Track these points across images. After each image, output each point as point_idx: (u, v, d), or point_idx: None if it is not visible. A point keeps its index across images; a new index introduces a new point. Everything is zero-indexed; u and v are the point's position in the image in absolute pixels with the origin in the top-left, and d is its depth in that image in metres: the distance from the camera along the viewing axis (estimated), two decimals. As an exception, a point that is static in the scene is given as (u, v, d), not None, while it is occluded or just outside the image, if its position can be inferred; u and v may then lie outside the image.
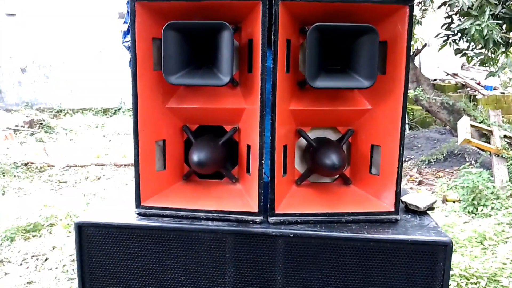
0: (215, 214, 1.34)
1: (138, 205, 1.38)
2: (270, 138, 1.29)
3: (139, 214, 1.38)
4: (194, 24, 1.29)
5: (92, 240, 1.36)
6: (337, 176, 1.47)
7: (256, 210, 1.32)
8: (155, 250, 1.34)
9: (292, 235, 1.27)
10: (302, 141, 1.44)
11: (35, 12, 10.52)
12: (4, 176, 5.31)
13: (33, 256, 3.11)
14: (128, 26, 1.33)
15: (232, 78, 1.34)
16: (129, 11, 1.31)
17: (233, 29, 1.35)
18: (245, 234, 1.29)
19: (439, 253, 1.24)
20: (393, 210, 1.35)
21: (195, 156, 1.33)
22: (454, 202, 4.06)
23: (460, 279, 2.47)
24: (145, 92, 1.34)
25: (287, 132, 1.37)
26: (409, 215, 1.42)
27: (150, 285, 1.35)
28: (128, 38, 1.33)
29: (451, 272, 2.52)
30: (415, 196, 1.49)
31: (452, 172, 5.06)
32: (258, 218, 1.31)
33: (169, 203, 1.38)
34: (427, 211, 1.46)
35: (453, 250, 2.78)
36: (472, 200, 3.74)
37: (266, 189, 1.32)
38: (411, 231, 1.29)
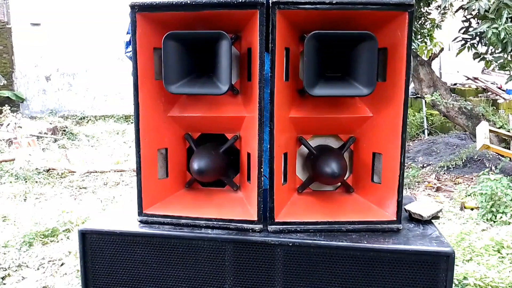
0: (215, 222, 1.35)
1: (140, 213, 1.40)
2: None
3: (141, 221, 1.40)
4: (193, 34, 1.30)
5: (95, 247, 1.38)
6: (339, 184, 1.46)
7: (256, 219, 1.32)
8: (156, 257, 1.35)
9: (291, 244, 1.27)
10: (304, 149, 1.44)
11: (59, 22, 10.79)
12: (26, 182, 5.44)
13: (49, 261, 3.18)
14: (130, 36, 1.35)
15: (232, 87, 1.35)
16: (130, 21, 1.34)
17: (233, 38, 1.36)
18: (244, 242, 1.29)
19: (441, 264, 1.21)
20: (395, 219, 1.33)
21: (196, 164, 1.34)
22: (472, 209, 3.97)
23: (475, 289, 2.41)
24: (147, 101, 1.36)
25: (287, 140, 1.37)
26: (413, 224, 1.40)
27: (152, 292, 1.36)
28: (130, 48, 1.35)
29: (466, 282, 2.45)
30: (419, 205, 1.46)
31: (472, 178, 4.94)
32: (257, 227, 1.31)
33: (170, 211, 1.40)
34: (432, 220, 1.43)
35: (469, 258, 2.71)
36: (491, 207, 3.64)
37: (267, 197, 1.32)
38: (412, 240, 1.27)
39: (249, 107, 1.35)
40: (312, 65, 1.25)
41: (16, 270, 3.06)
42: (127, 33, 1.57)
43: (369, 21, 1.28)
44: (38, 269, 3.09)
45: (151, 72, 1.37)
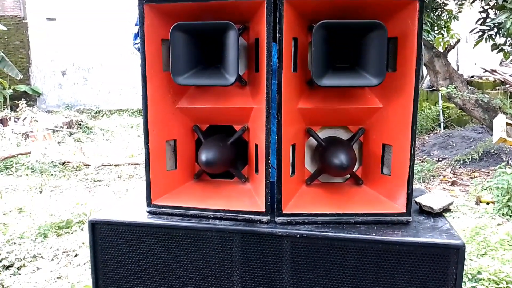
0: (222, 213, 1.35)
1: (149, 204, 1.41)
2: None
3: (149, 212, 1.41)
4: (200, 25, 1.29)
5: (105, 237, 1.39)
6: (349, 176, 1.44)
7: (263, 210, 1.31)
8: (164, 248, 1.36)
9: (298, 236, 1.26)
10: (313, 141, 1.43)
11: (74, 17, 10.90)
12: (42, 174, 5.53)
13: (64, 252, 3.23)
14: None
15: (240, 78, 1.34)
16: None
17: (241, 28, 1.35)
18: (251, 233, 1.29)
19: (451, 256, 1.19)
20: (404, 211, 1.31)
21: (204, 156, 1.34)
22: (488, 203, 3.91)
23: (489, 283, 2.37)
24: (155, 93, 1.37)
25: (295, 132, 1.36)
26: (423, 217, 1.38)
27: (160, 282, 1.37)
28: (139, 40, 1.35)
29: (479, 276, 2.42)
30: (430, 197, 1.44)
31: (488, 172, 4.86)
32: (264, 218, 1.31)
33: (179, 202, 1.40)
34: (443, 213, 1.41)
35: (483, 253, 2.67)
36: (507, 201, 3.58)
37: (275, 189, 1.31)
38: (422, 233, 1.25)
39: (257, 98, 1.34)
40: (320, 55, 1.24)
41: (31, 261, 3.12)
42: (136, 24, 1.57)
43: (378, 9, 1.26)
44: (52, 260, 3.15)
45: (159, 63, 1.37)
